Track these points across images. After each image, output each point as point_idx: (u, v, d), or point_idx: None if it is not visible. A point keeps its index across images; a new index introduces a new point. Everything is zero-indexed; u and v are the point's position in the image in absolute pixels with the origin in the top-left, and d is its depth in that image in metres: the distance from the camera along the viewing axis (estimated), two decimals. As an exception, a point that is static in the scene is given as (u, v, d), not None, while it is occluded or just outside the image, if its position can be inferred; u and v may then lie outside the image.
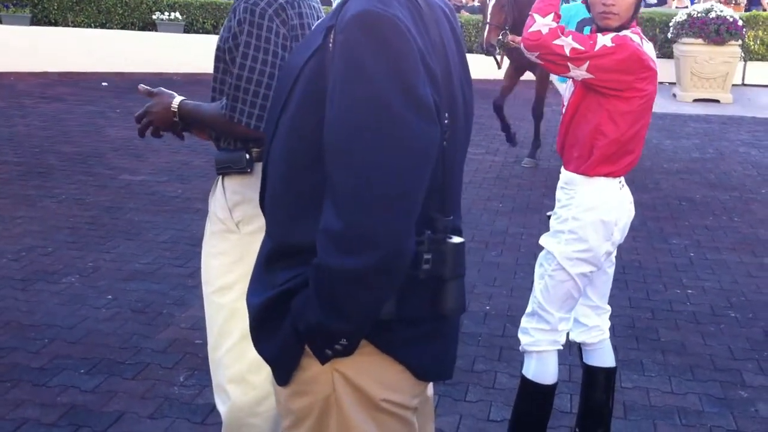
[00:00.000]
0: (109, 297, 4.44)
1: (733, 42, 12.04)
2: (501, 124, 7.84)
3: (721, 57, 12.02)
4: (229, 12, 2.27)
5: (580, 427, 3.08)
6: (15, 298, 4.36)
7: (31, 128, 8.77)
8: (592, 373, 3.02)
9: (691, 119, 10.90)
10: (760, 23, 14.15)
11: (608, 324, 3.03)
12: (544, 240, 2.89)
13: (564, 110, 2.88)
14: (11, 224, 5.59)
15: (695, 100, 12.17)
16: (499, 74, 8.16)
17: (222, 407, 2.41)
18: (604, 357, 3.01)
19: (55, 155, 7.62)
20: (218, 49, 2.28)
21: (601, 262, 2.82)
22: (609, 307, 3.03)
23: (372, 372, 1.52)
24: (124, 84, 11.68)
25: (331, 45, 1.44)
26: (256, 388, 2.35)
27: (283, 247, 1.54)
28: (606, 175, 2.77)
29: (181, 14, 13.70)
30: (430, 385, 1.74)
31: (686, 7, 13.59)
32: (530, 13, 2.78)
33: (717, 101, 12.16)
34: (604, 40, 2.66)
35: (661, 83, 11.81)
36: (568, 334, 2.95)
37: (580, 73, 2.68)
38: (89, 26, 13.60)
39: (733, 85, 12.70)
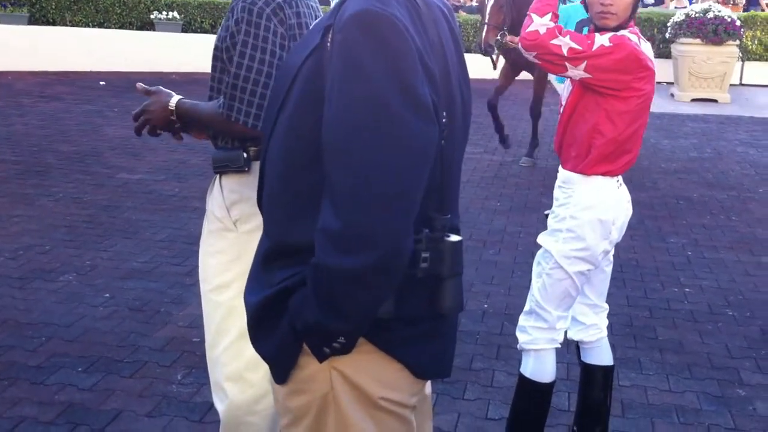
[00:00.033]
0: (107, 295, 4.44)
1: (730, 42, 12.05)
2: (494, 123, 7.79)
3: (718, 57, 12.03)
4: (227, 11, 2.27)
5: (578, 426, 3.08)
6: (12, 297, 4.36)
7: (29, 127, 8.76)
8: (590, 371, 3.03)
9: (689, 119, 10.92)
10: (758, 23, 14.18)
11: (606, 322, 3.03)
12: (541, 238, 2.89)
13: (562, 110, 2.88)
14: (9, 223, 5.58)
15: (693, 100, 12.18)
16: (497, 74, 8.15)
17: (220, 405, 2.41)
18: (601, 355, 3.02)
19: (53, 154, 7.62)
20: (216, 48, 2.27)
21: (598, 261, 2.83)
22: (607, 306, 3.04)
23: (370, 370, 1.52)
24: (121, 83, 11.67)
25: (329, 44, 1.44)
26: (253, 386, 2.35)
27: (280, 246, 1.54)
28: (604, 174, 2.77)
29: (179, 14, 13.70)
30: (429, 383, 1.74)
31: (685, 7, 13.59)
32: (528, 12, 2.78)
33: (715, 101, 12.17)
34: (602, 39, 2.66)
35: (659, 83, 11.86)
36: (566, 332, 2.96)
37: (578, 72, 2.68)
38: (87, 25, 13.60)
39: (731, 85, 12.72)
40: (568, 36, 2.68)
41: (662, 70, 11.95)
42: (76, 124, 9.05)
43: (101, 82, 11.90)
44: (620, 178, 2.84)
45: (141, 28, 13.78)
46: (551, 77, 7.76)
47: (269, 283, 1.54)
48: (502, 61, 7.97)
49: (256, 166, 2.22)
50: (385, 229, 1.37)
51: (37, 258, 4.95)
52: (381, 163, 1.37)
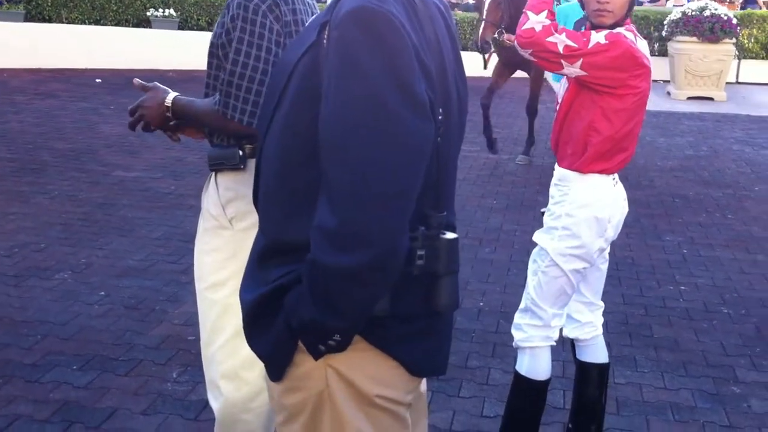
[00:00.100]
0: (102, 293, 4.43)
1: (727, 40, 12.07)
2: (484, 124, 7.68)
3: (715, 55, 12.05)
4: (223, 8, 2.27)
5: (573, 423, 3.09)
6: (7, 294, 4.35)
7: (24, 125, 8.75)
8: (585, 369, 3.03)
9: (685, 117, 10.93)
10: (755, 21, 14.21)
11: (601, 320, 3.04)
12: (537, 236, 2.89)
13: (558, 107, 2.88)
14: (4, 220, 5.57)
15: (689, 98, 12.20)
16: (490, 72, 8.09)
17: (215, 403, 2.41)
18: (597, 353, 3.02)
19: (49, 152, 7.61)
20: (212, 45, 2.27)
21: (594, 259, 2.83)
22: (602, 304, 3.04)
23: (365, 368, 1.52)
24: (117, 81, 11.65)
25: (325, 41, 1.43)
26: (249, 384, 2.35)
27: (276, 244, 1.54)
28: (600, 172, 2.77)
29: (175, 11, 13.69)
30: (424, 381, 1.74)
31: (682, 5, 13.61)
32: (524, 10, 2.78)
33: (711, 99, 12.19)
34: (598, 37, 2.66)
35: (655, 81, 11.83)
36: (561, 330, 2.96)
37: (574, 70, 2.68)
38: (83, 23, 13.58)
39: (727, 83, 12.74)
40: (564, 33, 2.68)
41: (659, 68, 11.94)
42: (72, 121, 9.04)
43: (97, 80, 11.88)
44: (616, 176, 2.84)
45: (137, 25, 13.76)
46: (548, 75, 7.77)
47: (265, 280, 1.54)
48: (493, 61, 7.94)
49: (251, 163, 2.22)
50: (382, 227, 1.37)
51: (33, 256, 4.94)
52: (378, 160, 1.37)
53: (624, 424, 3.35)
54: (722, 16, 11.92)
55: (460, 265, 1.57)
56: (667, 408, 3.49)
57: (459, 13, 14.64)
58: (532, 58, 2.79)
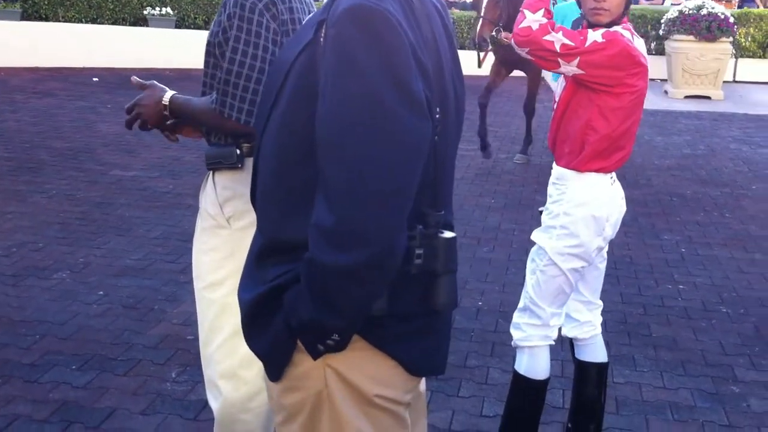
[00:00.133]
0: (101, 293, 4.42)
1: (724, 39, 12.08)
2: (480, 125, 7.64)
3: (712, 54, 12.06)
4: (220, 6, 2.27)
5: (572, 423, 3.08)
6: (6, 294, 4.35)
7: (21, 123, 8.74)
8: (584, 368, 3.03)
9: (682, 116, 10.94)
10: (752, 20, 14.22)
11: (600, 319, 3.03)
12: (535, 235, 2.89)
13: (555, 106, 2.88)
14: (1, 220, 5.57)
15: (686, 97, 12.21)
16: (485, 71, 8.03)
17: (214, 403, 2.41)
18: (596, 352, 3.02)
19: (46, 151, 7.60)
20: (208, 43, 2.27)
21: (592, 258, 2.83)
22: (601, 303, 3.04)
23: (364, 367, 1.52)
24: (115, 79, 11.64)
25: (322, 39, 1.43)
26: (248, 383, 2.35)
27: (274, 243, 1.54)
28: (597, 170, 2.77)
29: (172, 9, 13.68)
30: (423, 380, 1.74)
31: (680, 3, 13.61)
32: (521, 9, 2.78)
33: (708, 98, 12.20)
34: (595, 35, 2.66)
35: (652, 80, 11.87)
36: (560, 329, 2.96)
37: (571, 68, 2.68)
38: (80, 21, 13.56)
39: (725, 81, 12.75)
40: (560, 32, 2.68)
41: (656, 66, 11.98)
42: (69, 120, 9.02)
43: (94, 79, 11.87)
44: (614, 174, 2.84)
45: (134, 24, 13.75)
46: (546, 74, 7.77)
47: (263, 280, 1.54)
48: (488, 59, 7.90)
49: (249, 162, 2.22)
50: (379, 225, 1.37)
51: (30, 255, 4.93)
52: (375, 158, 1.36)
53: (623, 423, 3.35)
54: (719, 14, 11.93)
55: (458, 264, 1.57)
56: (667, 407, 3.49)
57: (456, 12, 14.64)
58: (529, 57, 2.79)
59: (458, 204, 6.22)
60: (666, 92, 12.53)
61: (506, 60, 7.50)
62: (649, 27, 13.79)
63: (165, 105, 2.33)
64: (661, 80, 13.03)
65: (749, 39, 14.17)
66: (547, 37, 2.68)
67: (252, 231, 1.66)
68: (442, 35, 1.57)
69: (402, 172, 1.39)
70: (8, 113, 9.22)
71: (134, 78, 2.43)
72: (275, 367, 1.56)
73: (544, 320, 2.85)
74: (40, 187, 6.39)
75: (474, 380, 3.64)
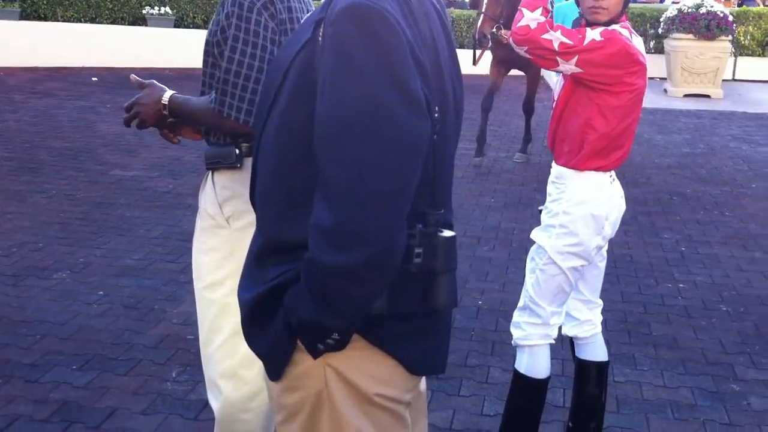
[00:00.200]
0: (101, 293, 4.42)
1: (723, 37, 12.08)
2: (480, 127, 7.60)
3: (711, 52, 12.06)
4: (218, 6, 2.26)
5: (572, 422, 3.08)
6: (6, 294, 4.35)
7: (21, 123, 8.74)
8: (584, 367, 3.03)
9: (681, 114, 10.94)
10: (751, 18, 14.22)
11: (600, 318, 3.03)
12: (535, 234, 2.89)
13: (554, 105, 2.88)
14: (1, 220, 5.56)
15: (686, 96, 12.21)
16: (478, 69, 7.98)
17: (214, 403, 2.41)
18: (596, 351, 3.02)
19: (46, 151, 7.59)
20: (207, 43, 2.26)
21: (591, 256, 2.83)
22: (601, 302, 3.04)
23: (364, 367, 1.52)
24: (114, 79, 11.64)
25: (320, 38, 1.43)
26: (248, 383, 2.35)
27: (274, 243, 1.54)
28: (596, 169, 2.77)
29: (171, 9, 13.67)
30: (423, 379, 1.74)
31: (679, 2, 13.62)
32: (519, 7, 2.78)
33: (708, 96, 12.20)
34: (593, 34, 2.66)
35: (651, 78, 11.87)
36: (560, 328, 2.96)
37: (569, 67, 2.68)
38: (79, 21, 13.56)
39: (724, 80, 12.75)
40: (559, 31, 2.68)
41: (655, 65, 11.98)
42: (69, 120, 9.02)
43: (94, 78, 11.87)
44: (613, 173, 2.84)
45: (133, 23, 13.75)
46: (546, 72, 7.76)
47: (262, 279, 1.54)
48: (485, 59, 7.87)
49: (248, 162, 2.22)
50: (379, 225, 1.37)
51: (31, 255, 4.93)
52: (374, 157, 1.36)
53: (624, 422, 3.35)
54: (718, 13, 11.93)
55: (458, 263, 1.57)
56: (667, 406, 3.49)
57: (455, 11, 14.63)
58: (527, 56, 2.79)
59: (458, 203, 6.22)
60: (665, 91, 12.53)
61: (505, 59, 7.49)
62: (648, 25, 13.80)
63: (164, 104, 2.33)
64: (661, 79, 13.04)
65: (748, 37, 14.17)
66: (546, 36, 2.68)
67: (251, 231, 1.66)
68: (441, 34, 1.56)
69: (401, 171, 1.38)
70: (8, 113, 9.22)
71: (133, 77, 2.43)
72: (275, 367, 1.56)
73: (544, 319, 2.86)
74: (40, 187, 6.39)
75: (474, 379, 3.64)
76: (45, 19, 13.50)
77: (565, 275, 2.80)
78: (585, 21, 2.79)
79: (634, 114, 2.79)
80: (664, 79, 12.92)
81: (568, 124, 2.80)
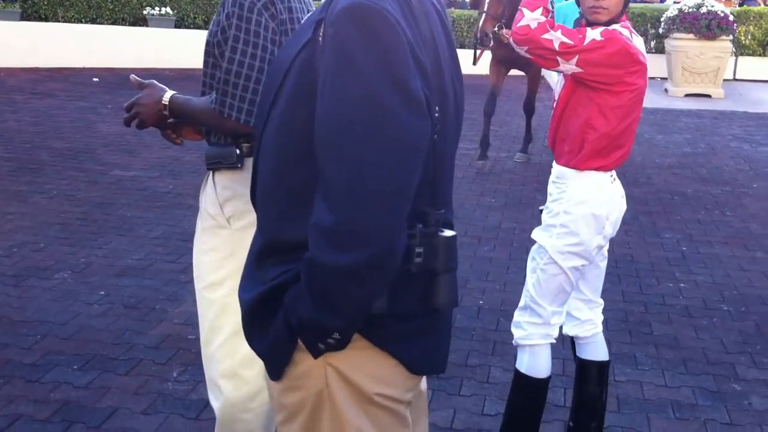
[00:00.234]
0: (102, 293, 4.42)
1: (724, 37, 12.08)
2: (483, 132, 7.59)
3: (712, 52, 12.06)
4: (219, 6, 2.26)
5: (573, 421, 3.08)
6: (7, 294, 4.35)
7: (21, 124, 8.74)
8: (585, 366, 3.03)
9: (682, 114, 10.93)
10: (751, 18, 14.22)
11: (601, 318, 3.03)
12: (536, 234, 2.89)
13: (555, 105, 2.88)
14: (2, 220, 5.57)
15: (687, 95, 12.20)
16: (477, 69, 7.96)
17: (215, 402, 2.41)
18: (597, 350, 3.02)
19: (47, 151, 7.60)
20: (207, 43, 2.26)
21: (592, 256, 2.83)
22: (602, 301, 3.04)
23: (365, 366, 1.52)
24: (115, 80, 11.64)
25: (320, 38, 1.43)
26: (248, 383, 2.35)
27: (274, 243, 1.54)
28: (597, 169, 2.77)
29: (171, 9, 13.67)
30: (424, 379, 1.74)
31: (680, 1, 13.62)
32: (519, 7, 2.78)
33: (708, 96, 12.19)
34: (593, 34, 2.66)
35: (652, 78, 11.87)
36: (561, 327, 2.96)
37: (570, 67, 2.68)
38: (80, 21, 13.57)
39: (725, 80, 12.75)
40: (559, 30, 2.68)
41: (656, 65, 11.99)
42: (70, 120, 9.02)
43: (94, 79, 11.87)
44: (614, 173, 2.84)
45: (134, 24, 13.75)
46: (546, 72, 7.75)
47: (263, 279, 1.54)
48: (484, 59, 7.86)
49: (249, 162, 2.22)
50: (379, 225, 1.37)
51: (32, 255, 4.93)
52: (374, 157, 1.36)
53: (625, 421, 3.35)
54: (719, 13, 11.93)
55: (458, 263, 1.57)
56: (668, 405, 3.49)
57: (456, 11, 14.63)
58: (528, 55, 2.79)
59: (459, 203, 6.22)
60: (666, 91, 12.53)
61: (505, 58, 7.48)
62: (649, 25, 13.79)
63: (164, 105, 2.33)
64: (661, 78, 13.03)
65: (749, 37, 14.16)
66: (546, 36, 2.68)
67: (252, 231, 1.66)
68: (441, 34, 1.56)
69: (401, 171, 1.38)
70: (8, 114, 9.22)
71: (133, 77, 2.43)
72: (276, 367, 1.56)
73: (545, 319, 2.86)
74: (40, 188, 6.39)
75: (475, 379, 3.64)
76: (46, 19, 13.50)
77: (566, 275, 2.80)
78: (585, 21, 2.79)
79: (635, 114, 2.79)
80: (665, 78, 12.92)
81: (568, 123, 2.80)
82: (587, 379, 3.03)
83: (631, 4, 10.90)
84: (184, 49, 12.66)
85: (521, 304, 2.93)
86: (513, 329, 2.94)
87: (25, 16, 13.36)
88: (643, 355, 3.95)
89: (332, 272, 1.38)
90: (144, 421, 3.19)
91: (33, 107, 9.68)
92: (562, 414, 3.33)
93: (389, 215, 1.38)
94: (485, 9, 7.20)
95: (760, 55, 14.29)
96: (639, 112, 2.83)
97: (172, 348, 3.80)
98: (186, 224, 5.48)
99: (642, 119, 2.96)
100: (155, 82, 2.39)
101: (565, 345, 3.47)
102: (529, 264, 2.91)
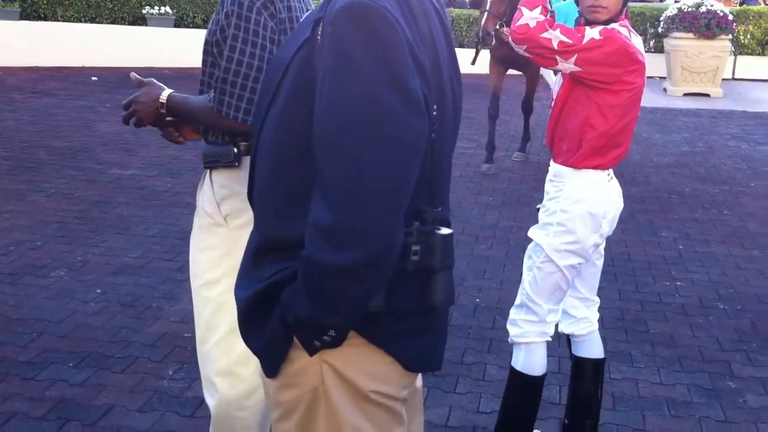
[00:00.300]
0: (98, 291, 4.43)
1: (723, 36, 12.08)
2: (489, 136, 7.59)
3: (711, 51, 12.06)
4: (218, 5, 2.27)
5: (569, 418, 3.09)
6: (3, 292, 4.35)
7: (20, 123, 8.74)
8: (580, 364, 3.03)
9: (681, 113, 10.94)
10: (751, 18, 14.23)
11: (597, 316, 3.04)
12: (532, 232, 2.89)
13: (553, 103, 2.88)
14: (0, 218, 5.57)
15: (685, 95, 12.21)
16: (475, 68, 7.96)
17: (210, 400, 2.41)
18: (592, 348, 3.02)
19: (45, 150, 7.60)
20: (206, 42, 2.27)
21: (589, 254, 2.83)
22: (598, 299, 3.04)
23: (361, 363, 1.52)
24: (114, 79, 11.64)
25: (319, 37, 1.43)
26: (244, 381, 2.35)
27: (271, 242, 1.54)
28: (594, 167, 2.77)
29: (171, 8, 13.67)
30: (420, 376, 1.74)
31: (679, 1, 13.63)
32: (518, 6, 2.78)
33: (707, 95, 12.20)
34: (592, 33, 2.67)
35: (651, 77, 11.88)
36: (557, 325, 2.96)
37: (569, 66, 2.69)
38: (79, 21, 13.56)
39: (723, 79, 12.76)
40: (558, 29, 2.68)
41: (655, 64, 11.99)
42: (68, 119, 9.02)
43: (93, 78, 11.87)
44: (611, 171, 2.85)
45: (133, 23, 13.75)
46: (545, 71, 7.74)
47: (259, 278, 1.54)
48: (484, 60, 7.84)
49: (246, 161, 2.22)
50: (377, 224, 1.37)
51: (29, 254, 4.94)
52: (372, 156, 1.36)
53: (620, 419, 3.36)
54: (718, 12, 11.94)
55: (455, 261, 1.57)
56: (663, 403, 3.50)
57: (455, 11, 14.64)
58: (527, 54, 2.79)
59: (456, 201, 6.22)
60: (665, 90, 12.53)
61: (504, 58, 7.48)
62: (648, 24, 13.81)
63: (162, 103, 2.33)
64: (660, 78, 13.04)
65: (748, 36, 14.17)
66: (545, 35, 2.68)
67: (249, 229, 1.66)
68: (440, 33, 1.57)
69: (400, 170, 1.39)
70: (7, 113, 9.22)
71: (133, 75, 2.43)
72: (271, 364, 1.56)
73: (541, 317, 2.86)
74: (38, 186, 6.39)
75: (471, 376, 3.64)
76: (45, 18, 13.49)
77: (563, 273, 2.80)
78: (584, 20, 2.79)
79: (633, 112, 2.80)
80: (664, 78, 12.92)
81: (566, 122, 2.80)
82: (583, 377, 3.03)
83: (631, 3, 10.90)
84: (183, 48, 12.65)
85: (517, 301, 2.93)
86: (509, 327, 2.95)
87: (25, 16, 13.35)
88: (639, 352, 3.96)
89: (330, 270, 1.39)
90: (139, 418, 3.20)
91: (32, 106, 9.68)
92: (557, 411, 3.33)
93: (388, 214, 1.38)
94: (487, 8, 7.19)
95: (759, 55, 14.30)
96: (637, 111, 2.83)
97: (168, 346, 3.81)
98: (183, 222, 5.48)
99: (640, 118, 2.96)
100: (154, 80, 2.40)
101: (560, 343, 3.47)
102: (526, 262, 2.92)
